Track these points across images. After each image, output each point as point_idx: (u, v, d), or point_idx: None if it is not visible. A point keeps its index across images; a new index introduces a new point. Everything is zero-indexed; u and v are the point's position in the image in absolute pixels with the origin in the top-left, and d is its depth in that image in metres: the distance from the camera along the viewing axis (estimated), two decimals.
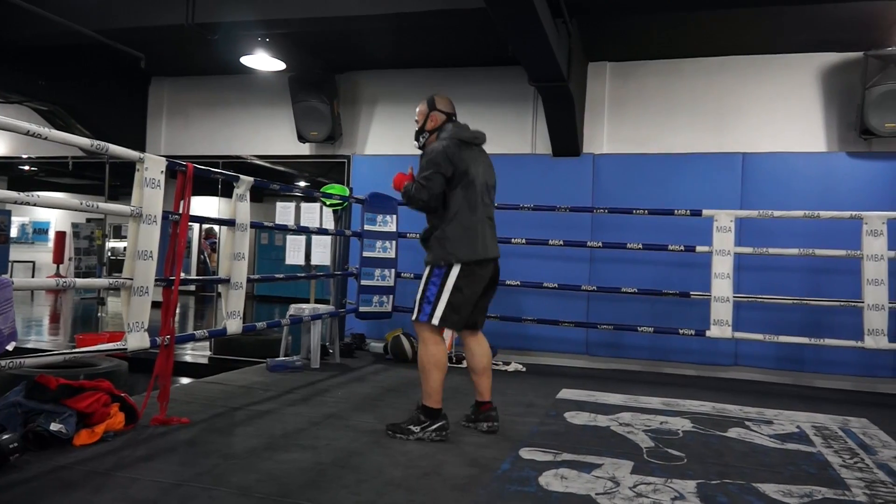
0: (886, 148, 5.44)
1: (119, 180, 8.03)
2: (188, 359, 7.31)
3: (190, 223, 3.55)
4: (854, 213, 4.80)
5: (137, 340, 3.19)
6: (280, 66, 6.27)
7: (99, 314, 10.38)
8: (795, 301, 5.10)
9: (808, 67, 5.69)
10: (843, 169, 5.50)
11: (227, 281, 3.89)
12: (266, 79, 6.92)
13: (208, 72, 7.16)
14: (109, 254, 13.71)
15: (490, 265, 3.46)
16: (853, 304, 4.82)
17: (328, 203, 5.60)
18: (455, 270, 3.30)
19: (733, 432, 3.65)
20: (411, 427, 3.29)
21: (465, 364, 5.44)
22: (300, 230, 5.30)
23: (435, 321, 3.27)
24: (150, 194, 3.16)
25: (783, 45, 5.61)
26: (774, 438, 3.56)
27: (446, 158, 3.35)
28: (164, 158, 3.26)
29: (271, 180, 4.56)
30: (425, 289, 3.34)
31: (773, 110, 5.76)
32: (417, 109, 3.69)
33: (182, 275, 3.47)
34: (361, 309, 5.58)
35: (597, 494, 2.56)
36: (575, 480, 2.72)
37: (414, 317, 3.37)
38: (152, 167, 3.18)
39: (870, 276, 4.67)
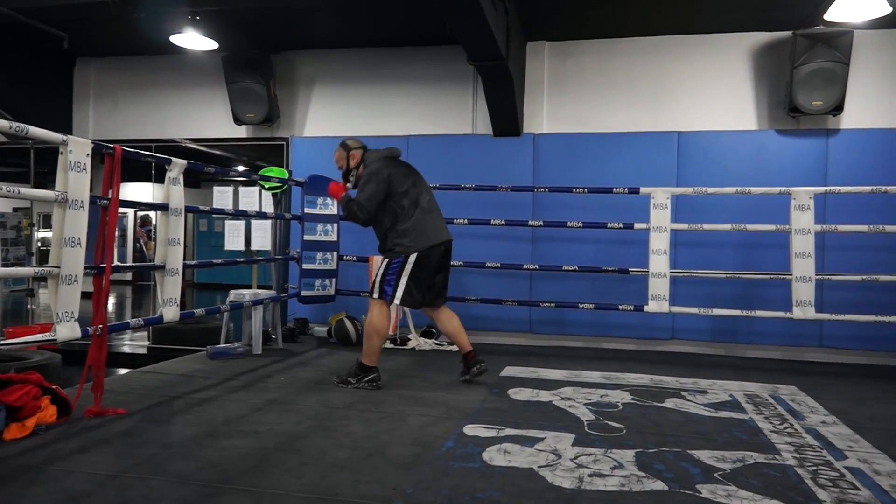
0: (813, 125, 5.65)
1: (46, 167, 7.66)
2: (126, 349, 7.09)
3: (123, 210, 3.43)
4: (783, 188, 4.99)
5: (67, 330, 3.07)
6: (212, 45, 6.07)
7: (29, 306, 9.93)
8: (728, 275, 5.28)
9: (739, 47, 5.86)
10: (773, 146, 5.70)
11: (161, 267, 3.77)
12: (198, 59, 6.69)
13: (137, 52, 6.88)
14: (39, 244, 13.12)
15: (439, 248, 4.04)
16: (782, 276, 5.02)
17: (267, 186, 5.48)
18: (411, 259, 3.92)
19: (670, 403, 3.77)
20: (349, 378, 3.97)
21: (409, 345, 5.47)
22: (238, 214, 5.17)
23: (396, 301, 3.92)
24: (75, 178, 3.02)
25: (715, 24, 5.75)
26: (708, 407, 3.69)
27: (382, 180, 3.96)
28: (89, 141, 3.12)
29: (207, 164, 4.43)
30: (385, 273, 3.95)
31: (706, 90, 5.91)
32: (336, 156, 4.23)
33: (114, 262, 3.34)
34: (304, 293, 5.50)
35: (539, 467, 2.61)
36: (518, 454, 2.76)
37: (375, 295, 3.96)
38: (77, 150, 3.03)
39: (797, 250, 4.86)
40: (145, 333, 7.12)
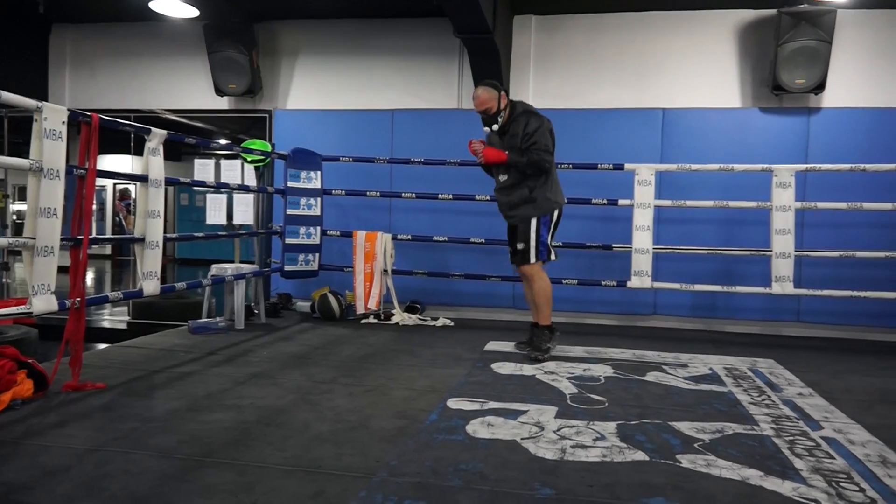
0: (796, 104, 5.67)
1: (21, 138, 7.50)
2: (106, 324, 7.03)
3: (102, 183, 3.37)
4: (765, 166, 5.01)
5: (44, 303, 3.02)
6: (193, 12, 5.94)
7: (4, 280, 9.78)
8: (710, 251, 5.33)
9: (725, 24, 5.84)
10: (756, 124, 5.72)
11: (141, 240, 3.72)
12: (179, 27, 6.55)
13: (115, 18, 6.71)
14: (14, 217, 12.89)
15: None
16: (762, 252, 5.07)
17: (249, 159, 5.41)
18: (555, 214, 4.12)
19: (651, 376, 3.81)
20: (547, 346, 4.14)
21: (393, 320, 5.47)
22: (220, 187, 5.11)
23: (553, 257, 4.14)
24: (50, 146, 2.95)
25: (701, 1, 5.71)
26: (689, 380, 3.74)
27: (549, 131, 4.05)
28: (64, 108, 3.04)
29: (187, 135, 4.35)
30: (538, 236, 4.04)
31: (692, 67, 5.90)
32: (484, 96, 4.08)
33: (92, 234, 3.28)
34: (287, 268, 5.47)
35: (522, 439, 2.63)
36: (501, 427, 2.78)
37: (533, 260, 4.05)
38: (52, 117, 2.96)
39: (778, 226, 4.91)
40: (125, 308, 7.06)
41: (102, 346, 5.13)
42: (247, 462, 2.34)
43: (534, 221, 4.06)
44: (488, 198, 5.54)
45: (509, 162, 4.04)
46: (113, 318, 7.25)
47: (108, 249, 14.01)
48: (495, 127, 4.11)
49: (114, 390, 3.22)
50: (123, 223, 13.97)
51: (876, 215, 5.24)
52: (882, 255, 5.03)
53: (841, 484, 2.26)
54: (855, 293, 4.95)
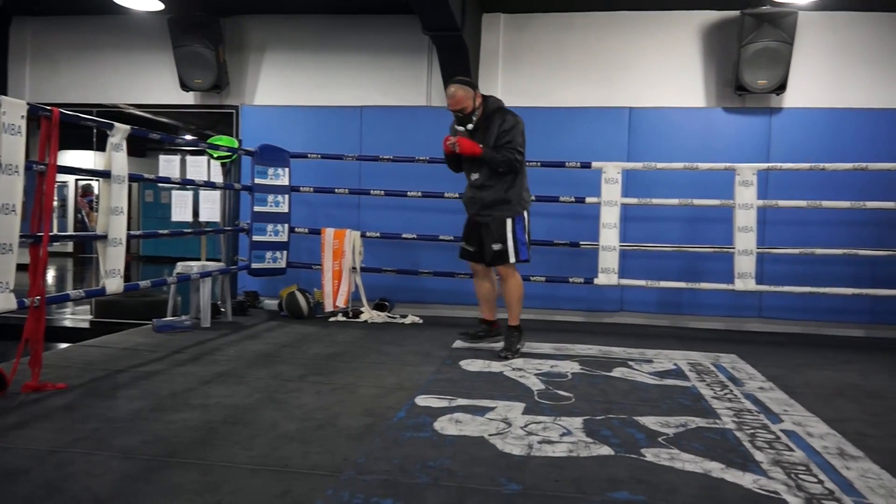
0: (758, 104, 5.79)
1: None
2: (67, 323, 6.86)
3: (64, 178, 3.30)
4: (728, 164, 5.11)
5: (2, 302, 2.95)
6: (158, 6, 5.83)
7: None
8: (675, 248, 5.42)
9: (690, 25, 5.93)
10: (720, 124, 5.82)
11: (104, 237, 3.65)
12: (143, 20, 6.42)
13: (77, 11, 6.55)
14: None
15: None
16: (725, 249, 5.17)
17: (216, 155, 5.34)
18: (527, 214, 4.13)
19: (617, 372, 3.86)
20: (517, 346, 4.18)
21: (362, 318, 5.45)
22: (185, 183, 5.02)
23: (529, 260, 4.11)
24: (9, 141, 2.88)
25: (667, 1, 5.80)
26: (654, 375, 3.80)
27: (523, 132, 4.06)
28: (24, 102, 2.97)
29: (152, 130, 4.27)
30: (514, 233, 4.03)
31: (657, 66, 5.98)
32: (460, 95, 3.99)
33: (53, 231, 3.21)
34: (254, 265, 5.41)
35: (489, 435, 2.65)
36: (469, 424, 2.79)
37: (513, 260, 4.04)
38: (11, 111, 2.89)
39: (740, 224, 5.01)
40: (88, 307, 6.91)
41: (64, 345, 5.02)
42: (212, 462, 2.32)
43: (509, 221, 4.06)
44: (457, 195, 5.55)
45: (483, 156, 4.01)
46: (75, 317, 7.09)
47: (69, 247, 13.68)
48: (469, 126, 4.07)
49: (75, 390, 3.15)
50: (86, 220, 13.67)
51: (834, 213, 5.38)
52: (840, 252, 5.17)
53: (800, 476, 2.32)
54: (814, 289, 5.08)
